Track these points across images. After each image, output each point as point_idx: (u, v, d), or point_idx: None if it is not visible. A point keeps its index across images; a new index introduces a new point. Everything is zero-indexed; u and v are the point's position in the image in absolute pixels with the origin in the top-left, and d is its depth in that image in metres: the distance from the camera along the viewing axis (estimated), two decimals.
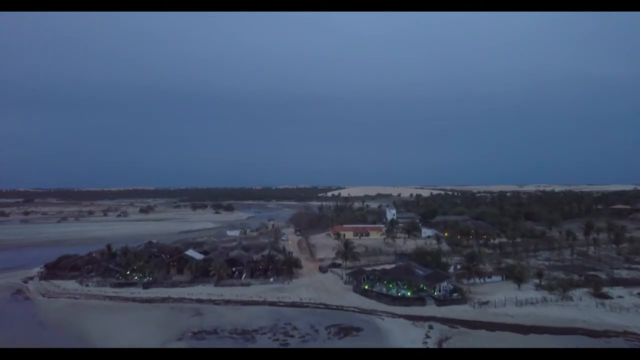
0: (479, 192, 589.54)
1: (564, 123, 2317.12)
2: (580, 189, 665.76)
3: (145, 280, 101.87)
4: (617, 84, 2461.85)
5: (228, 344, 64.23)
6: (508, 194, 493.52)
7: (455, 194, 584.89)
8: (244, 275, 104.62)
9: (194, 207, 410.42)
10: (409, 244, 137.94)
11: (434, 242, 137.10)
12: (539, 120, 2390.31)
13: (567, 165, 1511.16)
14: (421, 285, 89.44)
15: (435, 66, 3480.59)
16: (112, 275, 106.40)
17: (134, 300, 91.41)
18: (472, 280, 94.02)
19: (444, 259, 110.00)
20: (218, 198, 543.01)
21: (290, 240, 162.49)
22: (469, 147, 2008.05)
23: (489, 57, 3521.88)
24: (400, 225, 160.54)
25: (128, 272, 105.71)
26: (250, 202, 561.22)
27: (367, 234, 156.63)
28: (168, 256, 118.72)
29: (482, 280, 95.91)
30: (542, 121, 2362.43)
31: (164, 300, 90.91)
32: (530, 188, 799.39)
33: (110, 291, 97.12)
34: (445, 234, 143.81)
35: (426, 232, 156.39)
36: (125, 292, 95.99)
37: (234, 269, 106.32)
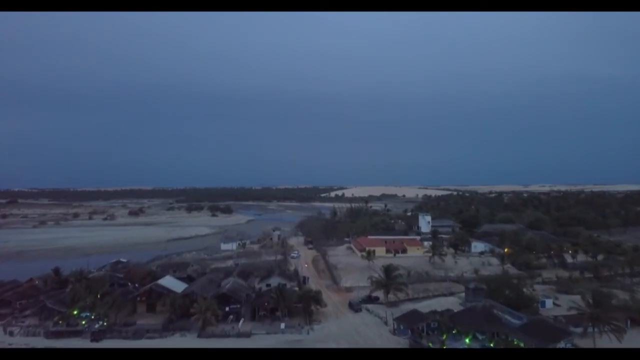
0: (491, 193, 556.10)
1: (565, 122, 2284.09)
2: (586, 188, 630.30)
3: (97, 325, 69.18)
4: (617, 84, 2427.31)
5: None
6: (525, 195, 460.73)
7: (466, 194, 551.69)
8: (241, 321, 71.12)
9: (189, 209, 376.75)
10: (462, 264, 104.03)
11: (495, 260, 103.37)
12: (539, 119, 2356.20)
13: (569, 165, 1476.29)
14: (517, 342, 57.60)
15: (436, 65, 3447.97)
16: (52, 316, 73.56)
17: None
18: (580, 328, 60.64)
19: (525, 291, 77.49)
20: (217, 198, 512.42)
21: (303, 258, 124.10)
22: (470, 147, 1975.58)
23: (489, 55, 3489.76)
24: (443, 237, 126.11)
25: (75, 312, 72.98)
26: (250, 202, 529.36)
27: (405, 250, 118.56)
28: (137, 285, 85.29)
29: (598, 329, 62.15)
30: (542, 121, 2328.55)
31: None
32: (535, 188, 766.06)
33: (41, 344, 65.24)
34: (505, 250, 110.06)
35: (477, 246, 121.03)
36: (65, 346, 64.09)
37: (227, 308, 73.11)
